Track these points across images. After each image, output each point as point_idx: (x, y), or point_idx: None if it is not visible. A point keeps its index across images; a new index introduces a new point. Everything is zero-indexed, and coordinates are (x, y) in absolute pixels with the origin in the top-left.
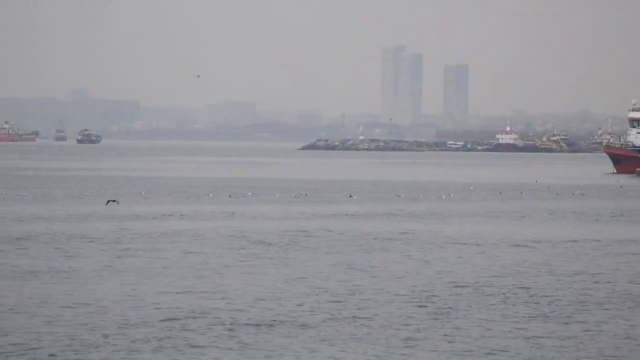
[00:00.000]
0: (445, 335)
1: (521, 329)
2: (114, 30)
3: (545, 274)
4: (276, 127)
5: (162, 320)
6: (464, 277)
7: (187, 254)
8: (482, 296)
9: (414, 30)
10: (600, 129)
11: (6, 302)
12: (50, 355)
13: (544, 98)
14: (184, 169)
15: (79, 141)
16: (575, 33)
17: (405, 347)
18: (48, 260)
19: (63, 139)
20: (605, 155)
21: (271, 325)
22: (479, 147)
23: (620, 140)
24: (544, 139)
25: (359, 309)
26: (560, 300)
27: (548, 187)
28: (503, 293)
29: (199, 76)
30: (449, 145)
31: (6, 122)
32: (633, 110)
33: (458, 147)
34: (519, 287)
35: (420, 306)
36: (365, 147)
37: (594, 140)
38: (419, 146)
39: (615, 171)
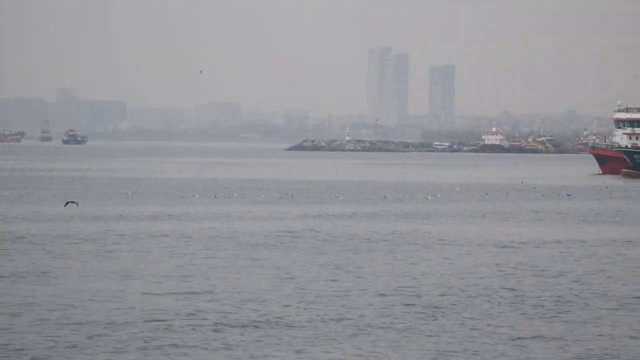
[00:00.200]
0: (431, 335)
1: (506, 329)
2: (99, 31)
3: (530, 274)
4: (263, 127)
5: (147, 321)
6: (450, 278)
7: (172, 254)
8: (467, 297)
9: (400, 31)
10: (586, 129)
11: None
12: (32, 358)
13: (530, 99)
14: (170, 170)
15: (65, 142)
16: (561, 34)
17: (391, 347)
18: (32, 262)
19: (49, 139)
20: (591, 156)
21: (257, 326)
22: (465, 148)
23: (606, 141)
24: (530, 139)
25: (345, 309)
26: (545, 300)
27: (534, 188)
28: (488, 294)
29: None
30: (435, 146)
31: None
32: (618, 111)
33: (444, 148)
34: (504, 288)
35: (406, 306)
36: (351, 147)
37: (579, 141)
38: (405, 147)
39: (600, 172)
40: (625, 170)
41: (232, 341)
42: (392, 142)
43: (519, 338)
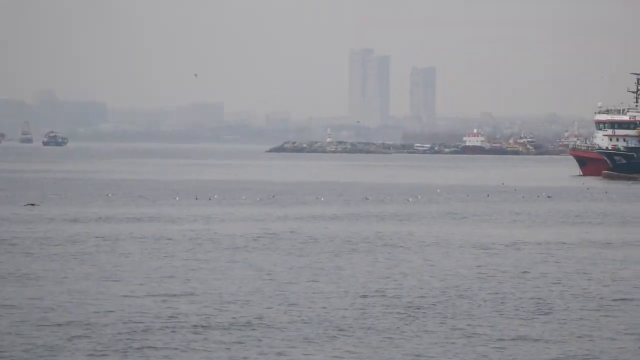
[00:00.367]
0: (412, 337)
1: (487, 330)
2: (80, 32)
3: (510, 276)
4: (244, 129)
5: (126, 323)
6: (430, 279)
7: (152, 257)
8: (448, 298)
9: (381, 32)
10: (567, 131)
11: None
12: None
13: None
14: (151, 172)
15: (45, 143)
16: (542, 36)
17: (372, 348)
18: (12, 264)
19: (29, 141)
20: (572, 157)
21: (237, 328)
22: (446, 150)
23: (586, 143)
24: (511, 141)
25: (325, 311)
26: (526, 302)
27: (515, 190)
28: (469, 295)
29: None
30: (416, 148)
31: None
32: (599, 113)
33: (425, 150)
34: (485, 289)
35: (387, 307)
36: (332, 149)
37: (560, 143)
38: (386, 148)
39: (581, 173)
40: (606, 171)
41: (213, 343)
42: (373, 144)
43: (499, 339)
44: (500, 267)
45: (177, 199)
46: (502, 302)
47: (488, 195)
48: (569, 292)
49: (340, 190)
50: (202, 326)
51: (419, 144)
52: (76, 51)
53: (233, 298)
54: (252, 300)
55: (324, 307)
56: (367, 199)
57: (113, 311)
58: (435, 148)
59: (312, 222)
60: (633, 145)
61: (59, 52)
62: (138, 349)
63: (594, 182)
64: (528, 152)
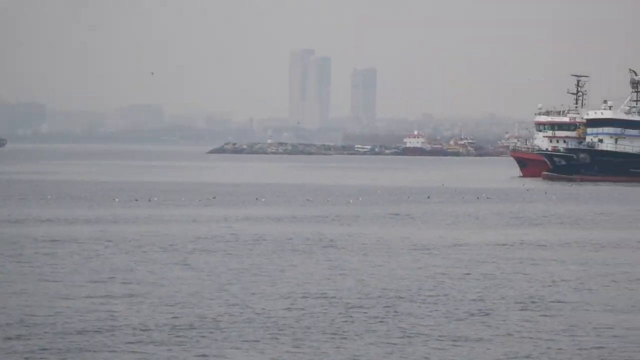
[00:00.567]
0: (353, 337)
1: (427, 330)
2: (18, 32)
3: (450, 276)
4: (185, 130)
5: (64, 325)
6: (370, 280)
7: (91, 258)
8: (388, 298)
9: (322, 34)
10: (507, 133)
11: None
12: None
13: (451, 102)
14: (91, 173)
15: None
16: (482, 37)
17: (313, 348)
18: None
19: None
20: (512, 159)
21: (177, 330)
22: (387, 151)
23: (526, 144)
24: (451, 142)
25: (266, 311)
26: (466, 302)
27: (455, 191)
28: (409, 296)
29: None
30: (356, 149)
31: None
32: (539, 114)
33: (366, 151)
34: (425, 290)
35: (327, 308)
36: (273, 150)
37: (501, 144)
38: (326, 150)
39: (521, 175)
40: (546, 173)
41: (152, 344)
42: (314, 145)
43: (439, 340)
44: (441, 268)
45: (117, 200)
46: (443, 303)
47: (429, 197)
48: (509, 293)
49: (281, 192)
50: (141, 328)
51: (359, 146)
52: (15, 52)
53: (173, 299)
54: (192, 302)
55: (265, 308)
56: (308, 200)
57: (51, 313)
58: (376, 149)
59: (252, 223)
60: (573, 147)
61: None
62: (77, 350)
63: (534, 184)
64: (468, 154)
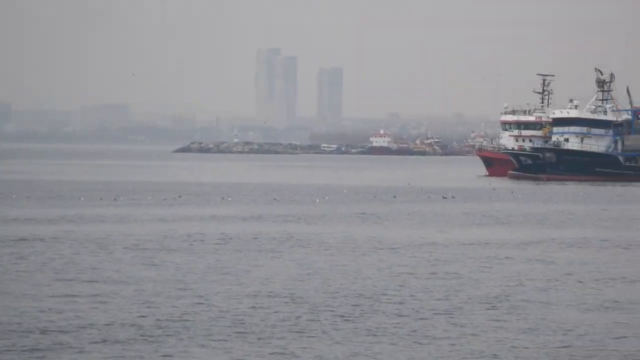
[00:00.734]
0: (318, 334)
1: (392, 328)
2: None
3: (416, 275)
4: (151, 130)
5: (29, 324)
6: (337, 279)
7: (55, 257)
8: (353, 297)
9: (288, 33)
10: (473, 132)
11: None
12: None
13: (418, 102)
14: (55, 172)
15: None
16: (448, 37)
17: (278, 347)
18: None
19: None
20: (478, 158)
21: (142, 328)
22: (353, 150)
23: (492, 143)
24: (417, 142)
25: (231, 311)
26: (431, 301)
27: (421, 190)
28: (374, 295)
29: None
30: (323, 148)
31: None
32: (505, 113)
33: (332, 150)
34: (390, 289)
35: (293, 306)
36: (239, 150)
37: (467, 143)
38: (293, 149)
39: (487, 174)
40: (512, 172)
41: (118, 344)
42: (281, 144)
43: (404, 338)
44: (407, 267)
45: (82, 199)
46: (408, 302)
47: (395, 196)
48: (475, 292)
49: (247, 191)
50: (107, 327)
51: (325, 145)
52: None
53: (138, 298)
54: (157, 301)
55: (230, 307)
56: (274, 199)
57: (16, 313)
58: (342, 149)
59: (218, 222)
60: (539, 146)
61: None
62: (42, 350)
63: (500, 183)
64: (435, 153)
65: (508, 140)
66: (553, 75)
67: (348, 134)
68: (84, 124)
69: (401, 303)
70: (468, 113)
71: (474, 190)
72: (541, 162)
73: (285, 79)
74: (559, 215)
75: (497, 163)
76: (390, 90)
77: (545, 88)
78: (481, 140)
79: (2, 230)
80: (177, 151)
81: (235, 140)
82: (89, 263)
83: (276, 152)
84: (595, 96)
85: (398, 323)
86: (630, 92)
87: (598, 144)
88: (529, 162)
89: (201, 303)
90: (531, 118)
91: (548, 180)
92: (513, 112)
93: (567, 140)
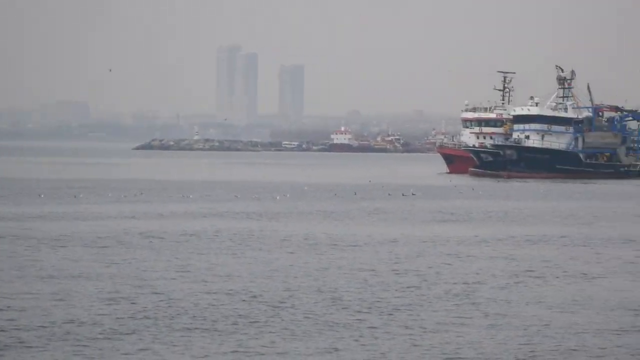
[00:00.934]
0: (280, 330)
1: (352, 323)
2: None
3: (377, 272)
4: (111, 127)
5: None
6: (297, 276)
7: (14, 256)
8: (313, 295)
9: (249, 29)
10: (434, 129)
11: None
12: None
13: (378, 99)
14: (15, 170)
15: None
16: (409, 34)
17: (239, 342)
18: None
19: None
20: (439, 155)
21: (104, 326)
22: (314, 147)
23: (453, 141)
24: (378, 139)
25: (192, 308)
26: (392, 299)
27: (382, 187)
28: (334, 291)
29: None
30: (284, 146)
31: None
32: (466, 110)
33: (293, 147)
34: (351, 286)
35: (253, 303)
36: (200, 147)
37: (428, 141)
38: (254, 146)
39: (448, 171)
40: (473, 169)
41: (78, 342)
42: (241, 142)
43: (364, 335)
44: (368, 264)
45: (42, 196)
46: (369, 299)
47: (355, 193)
48: (436, 289)
49: (208, 188)
50: (67, 325)
51: (287, 142)
52: None
53: (97, 296)
54: (117, 298)
55: (190, 304)
56: (235, 196)
57: None
58: (303, 146)
59: (179, 219)
60: (500, 143)
61: None
62: (4, 349)
63: (461, 180)
64: (396, 150)
65: (469, 138)
66: (514, 73)
67: (309, 131)
68: (44, 121)
69: (362, 300)
70: (429, 110)
71: (435, 188)
72: (502, 159)
73: (246, 76)
74: (520, 212)
75: (458, 160)
76: (351, 89)
77: (506, 85)
78: (442, 137)
79: None
80: (137, 148)
81: (196, 137)
82: (49, 260)
83: (237, 149)
84: (555, 93)
85: (359, 319)
86: (591, 89)
87: (559, 141)
88: (490, 159)
89: (161, 300)
90: (492, 115)
91: (509, 177)
92: (474, 110)
93: (527, 137)
